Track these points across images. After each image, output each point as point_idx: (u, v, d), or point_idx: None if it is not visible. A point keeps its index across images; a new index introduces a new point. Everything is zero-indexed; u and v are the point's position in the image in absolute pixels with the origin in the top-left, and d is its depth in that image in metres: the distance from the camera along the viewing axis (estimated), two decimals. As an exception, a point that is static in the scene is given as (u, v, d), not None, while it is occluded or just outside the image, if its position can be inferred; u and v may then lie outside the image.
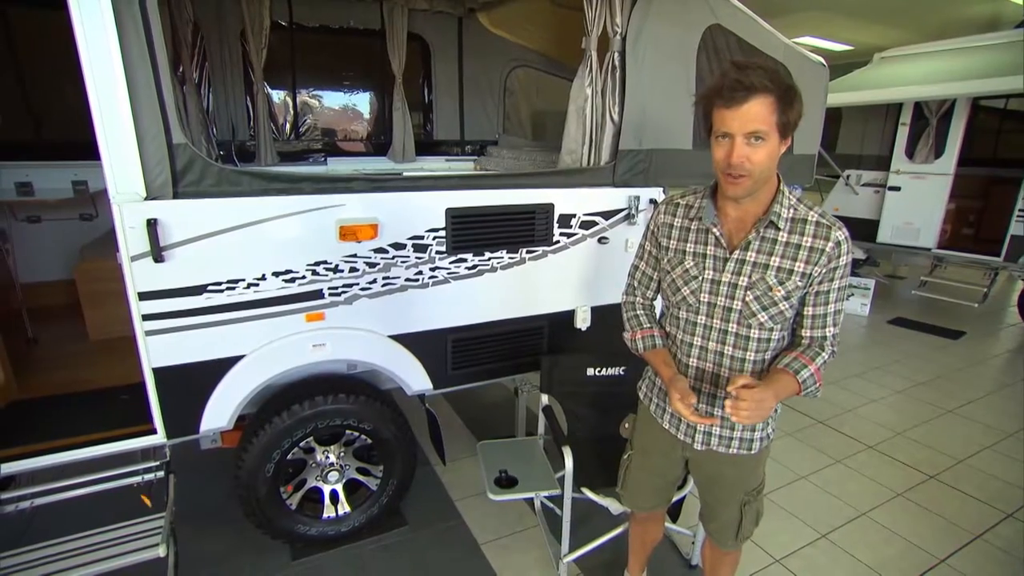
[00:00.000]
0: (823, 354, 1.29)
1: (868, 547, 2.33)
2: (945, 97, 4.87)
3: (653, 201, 2.43)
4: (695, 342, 1.38)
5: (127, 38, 1.49)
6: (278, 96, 3.77)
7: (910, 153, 5.28)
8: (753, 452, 1.41)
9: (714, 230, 1.31)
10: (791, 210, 1.25)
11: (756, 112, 1.12)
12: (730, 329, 1.32)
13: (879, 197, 5.56)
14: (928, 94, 4.89)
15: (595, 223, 2.32)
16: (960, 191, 5.22)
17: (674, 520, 2.21)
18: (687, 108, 2.42)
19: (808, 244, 1.23)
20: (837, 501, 2.63)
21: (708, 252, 1.33)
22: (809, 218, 1.24)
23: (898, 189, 5.38)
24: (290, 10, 3.56)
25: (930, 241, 5.21)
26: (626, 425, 1.73)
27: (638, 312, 1.53)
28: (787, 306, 1.27)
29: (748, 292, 1.28)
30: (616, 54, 2.21)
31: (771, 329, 1.30)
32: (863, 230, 5.67)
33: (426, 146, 4.02)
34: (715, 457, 1.45)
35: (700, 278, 1.33)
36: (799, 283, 1.24)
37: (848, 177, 5.73)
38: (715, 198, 1.32)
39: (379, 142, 4.02)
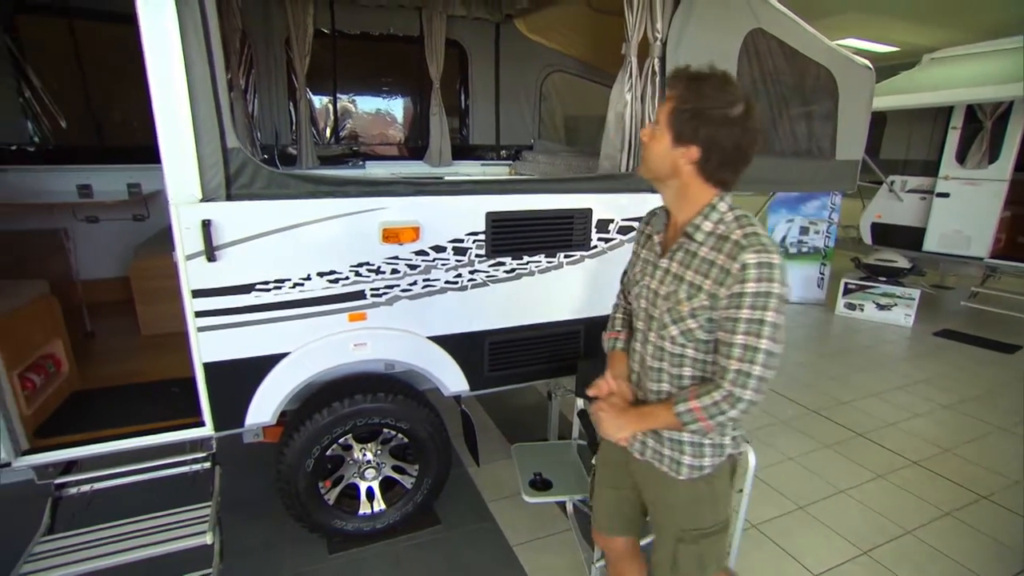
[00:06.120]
0: (715, 393, 1.15)
1: (913, 567, 2.25)
2: (1002, 99, 4.67)
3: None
4: (636, 347, 1.38)
5: (189, 49, 1.57)
6: (320, 101, 3.88)
7: (961, 158, 5.07)
8: (680, 477, 1.32)
9: (655, 236, 1.33)
10: (720, 226, 1.18)
11: (663, 107, 1.20)
12: (650, 338, 1.30)
13: (925, 204, 5.36)
14: (983, 96, 4.70)
15: (633, 228, 2.31)
16: (1016, 197, 4.98)
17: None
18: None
19: (720, 263, 1.14)
20: (879, 517, 2.54)
21: (651, 259, 1.33)
22: (732, 236, 1.15)
23: (947, 195, 5.17)
24: (332, 18, 3.66)
25: (982, 250, 4.99)
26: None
27: (616, 315, 1.55)
28: (695, 325, 1.19)
29: (664, 302, 1.25)
30: (656, 60, 2.20)
31: (683, 345, 1.23)
32: (908, 238, 5.48)
33: (462, 150, 4.08)
34: (653, 475, 1.38)
35: (641, 283, 1.34)
36: (705, 302, 1.16)
37: (892, 183, 5.54)
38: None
39: (415, 146, 4.09)
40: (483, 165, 4.12)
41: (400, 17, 3.74)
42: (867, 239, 5.88)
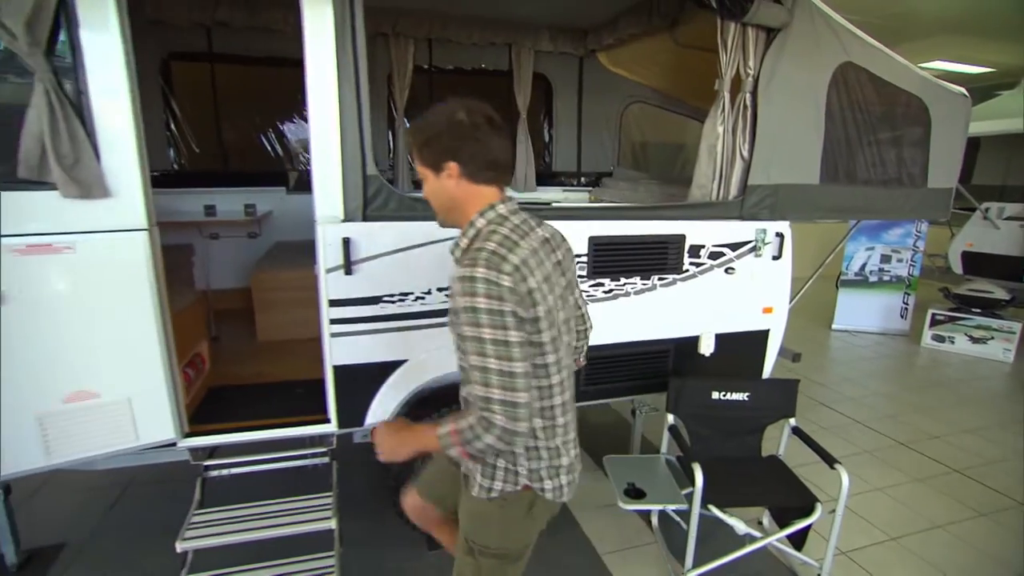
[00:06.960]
0: (470, 417, 1.09)
1: (1022, 609, 2.17)
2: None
3: (779, 234, 2.47)
4: None
5: (344, 91, 1.84)
6: (415, 131, 4.20)
7: (1068, 184, 4.81)
8: (472, 493, 1.31)
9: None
10: (475, 241, 1.20)
11: (414, 161, 1.28)
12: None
13: (1026, 232, 5.08)
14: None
15: (723, 254, 2.41)
16: None
17: (798, 548, 2.19)
18: (816, 143, 2.46)
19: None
20: (986, 557, 2.44)
21: None
22: (472, 249, 1.16)
23: (1051, 224, 4.90)
24: (430, 54, 4.00)
25: (1094, 283, 4.68)
26: None
27: None
28: (454, 338, 1.18)
29: None
30: (748, 95, 2.31)
31: (461, 358, 1.20)
32: (1004, 268, 5.20)
33: (544, 176, 4.29)
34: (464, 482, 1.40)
35: None
36: (451, 317, 1.16)
37: (987, 210, 5.29)
38: None
39: (500, 172, 4.34)
40: (564, 191, 4.31)
41: (491, 53, 4.04)
42: (957, 268, 5.61)
